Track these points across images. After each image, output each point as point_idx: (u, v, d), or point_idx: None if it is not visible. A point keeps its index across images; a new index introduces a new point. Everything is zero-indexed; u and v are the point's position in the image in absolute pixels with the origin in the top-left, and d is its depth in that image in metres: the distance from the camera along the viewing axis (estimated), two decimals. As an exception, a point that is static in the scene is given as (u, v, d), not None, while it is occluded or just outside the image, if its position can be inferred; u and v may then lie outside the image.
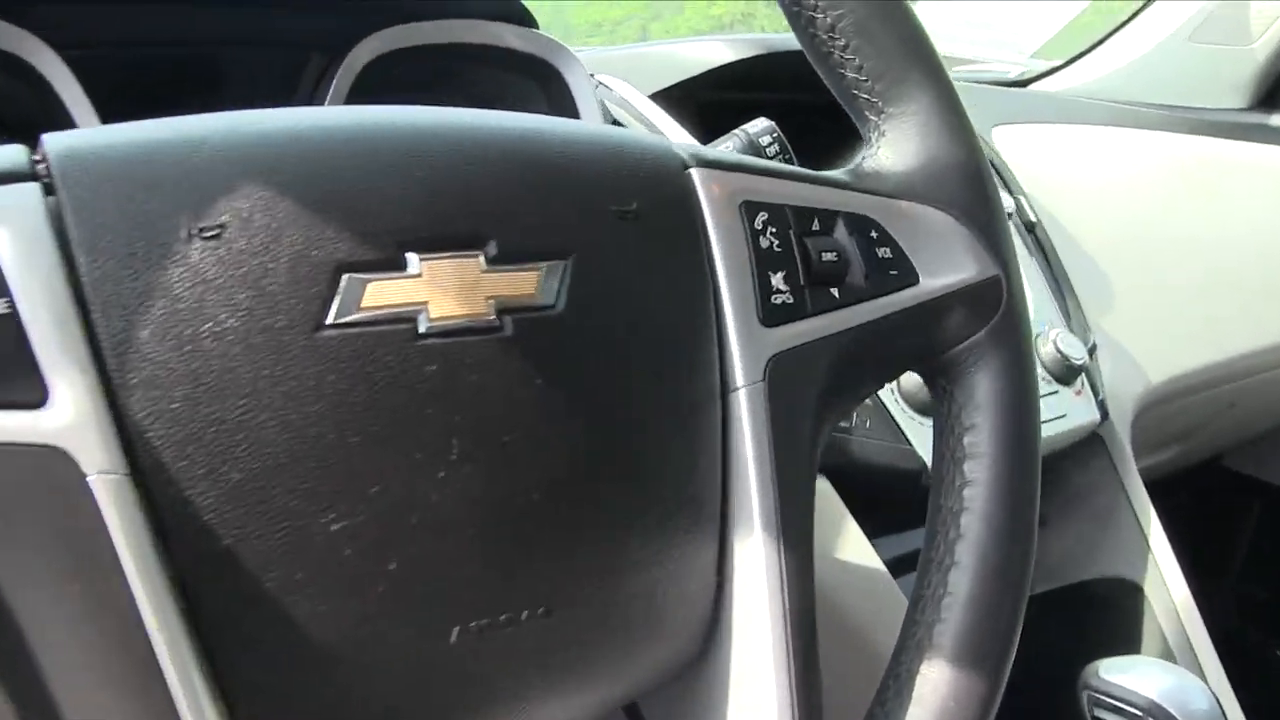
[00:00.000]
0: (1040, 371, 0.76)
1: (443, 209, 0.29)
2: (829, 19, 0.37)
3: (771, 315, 0.35)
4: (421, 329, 0.28)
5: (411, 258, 0.29)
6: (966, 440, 0.38)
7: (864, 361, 0.38)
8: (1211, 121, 1.36)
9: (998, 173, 1.01)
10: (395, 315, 0.28)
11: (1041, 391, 0.78)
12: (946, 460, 0.39)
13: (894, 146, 0.39)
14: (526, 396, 0.30)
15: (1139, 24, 1.55)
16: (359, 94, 0.61)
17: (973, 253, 0.39)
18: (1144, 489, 0.83)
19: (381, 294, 0.28)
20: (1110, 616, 0.81)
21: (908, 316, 0.38)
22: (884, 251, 0.38)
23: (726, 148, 0.54)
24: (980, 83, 1.50)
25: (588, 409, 0.31)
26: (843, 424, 0.66)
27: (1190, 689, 0.58)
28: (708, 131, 0.79)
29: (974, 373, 0.39)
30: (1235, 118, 1.43)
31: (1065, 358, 0.76)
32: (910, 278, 0.38)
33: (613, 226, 0.32)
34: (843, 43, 0.37)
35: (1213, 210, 1.22)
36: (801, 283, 0.35)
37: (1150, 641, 0.79)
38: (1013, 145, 1.09)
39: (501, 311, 0.29)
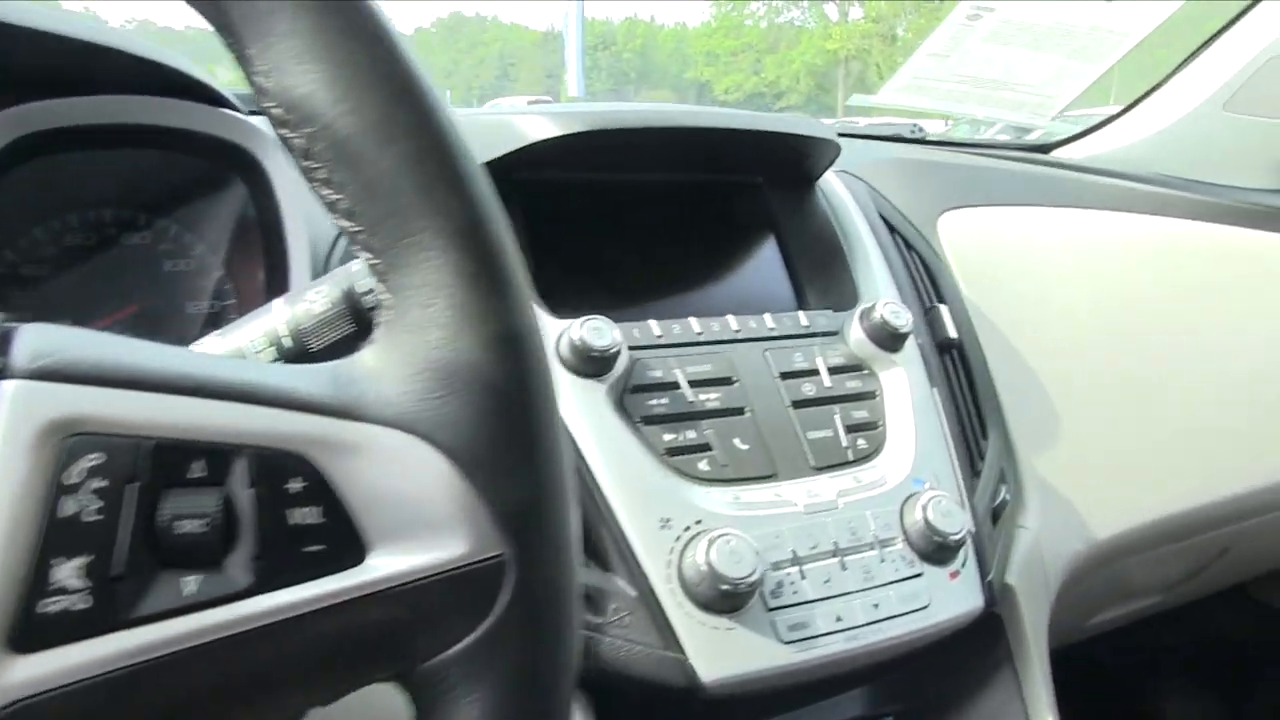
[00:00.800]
0: (901, 549, 0.60)
1: None
2: (302, 139, 0.26)
3: (32, 633, 0.22)
4: None
5: None
6: None
7: (261, 690, 0.25)
8: (1232, 206, 1.18)
9: (928, 270, 0.83)
10: None
11: (900, 574, 0.62)
12: None
13: (387, 340, 0.27)
14: None
15: (1175, 85, 1.39)
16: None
17: (469, 519, 0.26)
18: (1046, 684, 0.66)
19: None
20: None
21: (329, 619, 0.25)
22: (306, 514, 0.25)
23: (318, 293, 0.40)
24: (994, 148, 1.32)
25: None
26: (594, 618, 0.51)
27: None
28: (545, 220, 0.66)
29: (451, 703, 0.27)
30: (1267, 200, 1.25)
31: (936, 532, 0.59)
32: (348, 555, 0.26)
33: None
34: (324, 174, 0.26)
35: (1219, 314, 1.03)
36: (117, 573, 0.23)
37: None
38: (965, 234, 0.92)
39: None
